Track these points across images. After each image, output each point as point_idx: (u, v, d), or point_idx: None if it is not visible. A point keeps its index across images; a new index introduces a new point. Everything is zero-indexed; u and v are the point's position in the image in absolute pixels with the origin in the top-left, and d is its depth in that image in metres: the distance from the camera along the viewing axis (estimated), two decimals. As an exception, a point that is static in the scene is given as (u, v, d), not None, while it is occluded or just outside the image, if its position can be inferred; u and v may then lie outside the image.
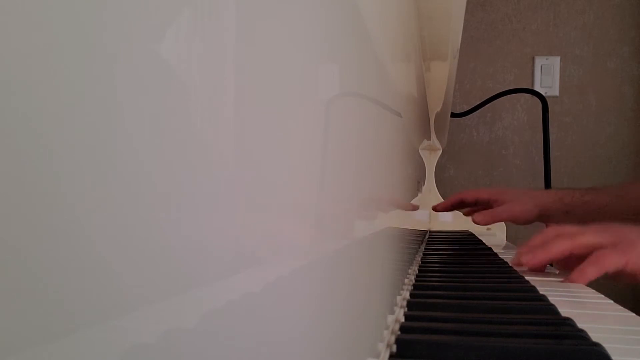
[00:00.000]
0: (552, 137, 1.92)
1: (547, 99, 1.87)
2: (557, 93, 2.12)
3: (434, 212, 1.42)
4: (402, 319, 0.48)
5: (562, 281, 0.75)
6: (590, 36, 2.11)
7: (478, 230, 1.47)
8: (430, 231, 1.51)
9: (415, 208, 1.13)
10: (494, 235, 1.52)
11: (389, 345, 0.41)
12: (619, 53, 2.10)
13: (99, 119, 0.11)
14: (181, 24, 0.15)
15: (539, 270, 0.81)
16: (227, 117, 0.18)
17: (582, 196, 1.03)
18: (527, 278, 0.71)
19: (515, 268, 0.81)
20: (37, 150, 0.10)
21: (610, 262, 0.72)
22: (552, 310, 0.52)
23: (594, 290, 0.70)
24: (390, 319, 0.47)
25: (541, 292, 0.61)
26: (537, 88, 2.09)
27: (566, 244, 0.76)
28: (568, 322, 0.47)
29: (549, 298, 0.57)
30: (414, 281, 0.67)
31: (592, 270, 0.72)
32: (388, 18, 0.51)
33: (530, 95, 2.00)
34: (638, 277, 0.74)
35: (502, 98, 1.90)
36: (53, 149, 0.10)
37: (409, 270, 0.74)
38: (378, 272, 0.45)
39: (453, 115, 1.79)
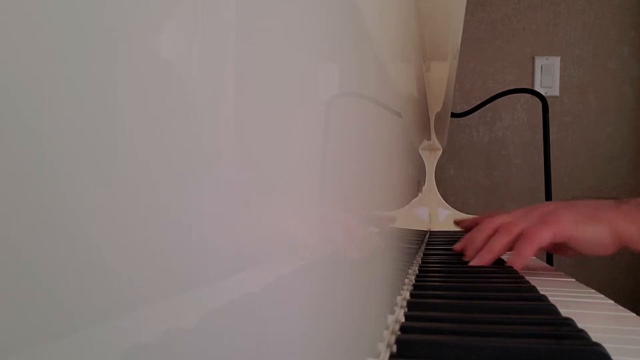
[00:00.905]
0: (552, 137, 1.92)
1: (547, 99, 1.87)
2: (557, 93, 2.12)
3: (434, 213, 1.42)
4: (402, 319, 0.48)
5: (505, 264, 0.80)
6: (590, 36, 2.11)
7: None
8: (430, 231, 1.50)
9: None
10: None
11: (389, 345, 0.41)
12: (619, 53, 2.10)
13: (100, 119, 0.11)
14: (181, 23, 0.15)
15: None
16: (227, 117, 0.18)
17: None
18: (527, 278, 0.71)
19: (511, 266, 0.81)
20: (38, 149, 0.10)
21: (540, 236, 0.76)
22: (552, 310, 0.52)
23: (594, 291, 0.70)
24: (391, 319, 0.47)
25: (541, 292, 0.61)
26: (537, 88, 2.09)
27: (505, 239, 0.81)
28: (568, 322, 0.47)
29: (549, 298, 0.57)
30: (414, 281, 0.67)
31: (527, 249, 0.77)
32: (388, 18, 0.51)
33: (530, 95, 2.00)
34: (569, 244, 0.78)
35: (502, 98, 1.90)
36: (54, 148, 0.10)
37: (409, 271, 0.74)
38: (378, 272, 0.45)
39: (453, 115, 1.79)
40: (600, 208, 0.78)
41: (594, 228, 0.76)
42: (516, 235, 0.80)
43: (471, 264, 0.84)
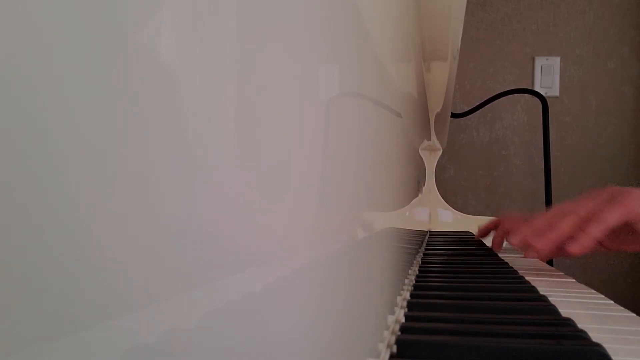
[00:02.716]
0: (552, 137, 1.92)
1: (547, 99, 1.87)
2: (557, 93, 2.12)
3: (434, 213, 1.42)
4: (403, 320, 0.48)
5: (565, 253, 0.72)
6: (590, 36, 2.11)
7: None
8: (430, 231, 1.50)
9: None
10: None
11: (389, 346, 0.41)
12: (619, 53, 2.10)
13: (102, 119, 0.11)
14: (181, 23, 0.15)
15: (550, 256, 0.79)
16: (227, 117, 0.18)
17: None
18: (527, 278, 0.72)
19: (517, 269, 0.81)
20: (40, 149, 0.10)
21: (609, 217, 0.71)
22: (552, 310, 0.52)
23: (594, 291, 0.70)
24: (391, 319, 0.47)
25: (541, 292, 0.61)
26: (537, 88, 2.09)
27: (572, 220, 0.74)
28: (568, 323, 0.47)
29: (550, 298, 0.57)
30: (414, 281, 0.67)
31: (595, 229, 0.71)
32: (388, 18, 0.51)
33: (530, 95, 2.00)
34: (637, 225, 0.72)
35: (502, 98, 1.90)
36: (56, 148, 0.10)
37: (409, 271, 0.74)
38: (378, 272, 0.45)
39: (453, 115, 1.79)
40: None
41: None
42: (584, 216, 0.73)
43: (536, 245, 0.76)
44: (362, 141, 0.39)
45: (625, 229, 0.74)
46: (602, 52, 2.11)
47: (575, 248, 0.72)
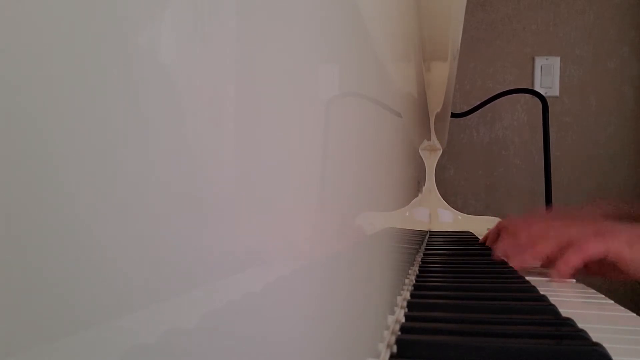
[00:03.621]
0: (552, 137, 1.92)
1: (547, 99, 1.87)
2: (557, 93, 2.12)
3: (434, 213, 1.42)
4: (403, 320, 0.48)
5: (548, 280, 0.76)
6: (590, 36, 2.11)
7: (478, 231, 1.47)
8: (430, 231, 1.50)
9: None
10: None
11: (389, 346, 0.41)
12: (619, 53, 2.10)
13: (102, 119, 0.11)
14: (181, 23, 0.15)
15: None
16: (227, 117, 0.18)
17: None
18: (527, 278, 0.71)
19: (517, 269, 0.81)
20: (40, 149, 0.10)
21: (592, 248, 0.73)
22: (552, 310, 0.52)
23: (594, 291, 0.70)
24: (391, 319, 0.47)
25: (541, 292, 0.61)
26: (537, 88, 2.09)
27: (553, 243, 0.77)
28: (568, 322, 0.47)
29: (549, 298, 0.57)
30: (414, 281, 0.67)
31: (574, 258, 0.73)
32: (388, 18, 0.51)
33: (530, 95, 2.00)
34: (618, 264, 0.74)
35: (502, 98, 1.90)
36: (56, 148, 0.10)
37: (410, 271, 0.74)
38: (378, 272, 0.45)
39: (453, 115, 1.79)
40: None
41: None
42: (565, 243, 0.75)
43: (512, 262, 0.80)
44: (362, 141, 0.39)
45: (608, 261, 0.76)
46: (602, 52, 2.11)
47: (553, 274, 0.75)
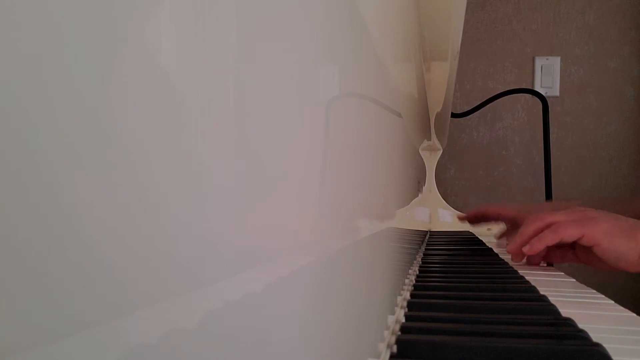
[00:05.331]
0: (552, 137, 1.92)
1: (548, 99, 1.87)
2: (557, 93, 2.12)
3: (434, 213, 1.42)
4: (403, 320, 0.48)
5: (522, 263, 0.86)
6: (590, 36, 2.11)
7: (478, 231, 1.47)
8: (430, 231, 1.50)
9: None
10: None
11: (389, 346, 0.41)
12: (619, 53, 2.10)
13: (102, 119, 0.11)
14: (181, 23, 0.15)
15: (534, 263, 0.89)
16: (227, 117, 0.18)
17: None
18: (527, 278, 0.71)
19: (517, 269, 0.81)
20: (40, 149, 0.10)
21: (567, 231, 0.79)
22: (552, 310, 0.52)
23: (594, 291, 0.70)
24: (391, 319, 0.47)
25: (541, 292, 0.61)
26: (537, 88, 2.09)
27: (538, 225, 0.83)
28: (568, 323, 0.47)
29: (550, 298, 0.57)
30: (414, 281, 0.67)
31: (550, 236, 0.80)
32: (388, 18, 0.51)
33: (530, 95, 2.00)
34: (595, 251, 0.79)
35: (502, 98, 1.90)
36: (56, 148, 0.10)
37: (410, 271, 0.74)
38: (378, 272, 0.45)
39: (453, 115, 1.79)
40: (638, 228, 0.78)
41: (624, 242, 0.77)
42: (548, 224, 0.82)
43: (507, 249, 0.88)
44: (362, 141, 0.39)
45: (588, 252, 0.81)
46: (602, 52, 2.11)
47: (526, 248, 0.82)
